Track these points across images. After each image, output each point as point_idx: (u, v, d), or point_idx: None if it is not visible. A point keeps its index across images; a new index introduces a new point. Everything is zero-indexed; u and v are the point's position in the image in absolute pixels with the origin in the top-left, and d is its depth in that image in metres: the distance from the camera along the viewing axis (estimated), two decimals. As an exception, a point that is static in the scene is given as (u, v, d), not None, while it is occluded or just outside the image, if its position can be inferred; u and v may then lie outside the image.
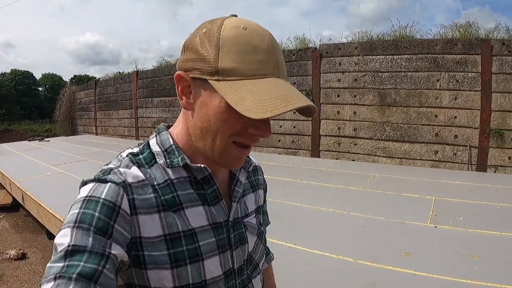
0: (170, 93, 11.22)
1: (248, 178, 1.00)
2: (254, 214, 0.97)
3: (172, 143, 0.82)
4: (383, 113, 6.91)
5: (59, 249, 0.65)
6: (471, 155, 6.36)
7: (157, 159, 0.81)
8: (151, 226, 0.74)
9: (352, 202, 4.25)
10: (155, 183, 0.78)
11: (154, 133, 0.87)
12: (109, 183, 0.72)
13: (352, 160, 7.31)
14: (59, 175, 5.97)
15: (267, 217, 1.08)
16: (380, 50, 7.07)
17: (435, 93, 6.54)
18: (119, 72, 14.40)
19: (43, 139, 12.66)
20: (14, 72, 49.27)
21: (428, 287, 2.35)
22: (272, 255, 1.28)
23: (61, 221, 3.96)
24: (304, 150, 8.07)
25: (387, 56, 6.98)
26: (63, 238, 0.66)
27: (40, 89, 51.15)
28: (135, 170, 0.77)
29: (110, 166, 0.79)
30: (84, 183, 0.75)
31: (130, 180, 0.75)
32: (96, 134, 15.21)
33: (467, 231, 3.26)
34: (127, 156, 0.81)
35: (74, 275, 0.60)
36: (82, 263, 0.62)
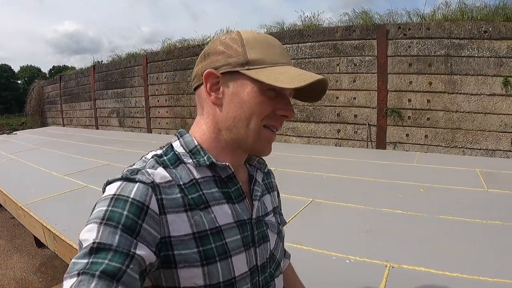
0: (121, 85, 11.97)
1: (263, 180, 1.04)
2: (273, 214, 1.00)
3: (196, 143, 0.85)
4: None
5: (84, 245, 0.65)
6: (370, 133, 6.99)
7: (184, 159, 0.84)
8: (179, 225, 0.76)
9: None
10: (181, 183, 0.80)
11: (176, 136, 0.90)
12: (137, 183, 0.73)
13: (268, 140, 8.05)
14: (11, 161, 6.89)
15: (283, 217, 1.13)
16: (287, 39, 7.76)
17: (336, 77, 7.24)
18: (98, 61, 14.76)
19: (11, 132, 13.27)
20: (-9, 66, 48.68)
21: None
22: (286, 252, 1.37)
23: (4, 194, 4.80)
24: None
25: (293, 45, 7.68)
26: (89, 234, 0.66)
27: (19, 82, 50.72)
28: (161, 171, 0.79)
29: (136, 167, 0.80)
30: (110, 182, 0.76)
31: (158, 180, 0.76)
32: (63, 125, 15.88)
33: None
34: (152, 157, 0.83)
35: (98, 273, 0.61)
36: (106, 261, 0.62)
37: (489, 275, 2.10)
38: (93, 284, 0.59)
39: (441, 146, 6.32)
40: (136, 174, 0.76)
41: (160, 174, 0.78)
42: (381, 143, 6.87)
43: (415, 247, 2.51)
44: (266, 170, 1.06)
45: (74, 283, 0.59)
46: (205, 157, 0.83)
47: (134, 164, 0.82)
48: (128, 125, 11.84)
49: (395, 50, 6.84)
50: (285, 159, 5.68)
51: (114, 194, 0.71)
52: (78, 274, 0.60)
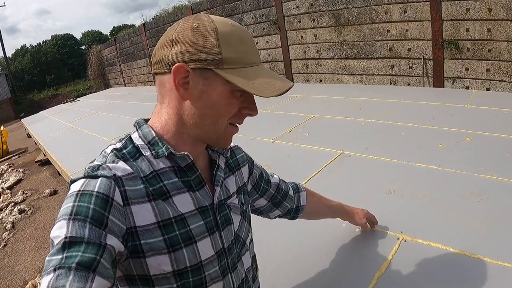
0: (171, 39, 12.03)
1: (227, 162, 1.06)
2: (236, 195, 1.02)
3: (154, 135, 0.85)
4: (339, 33, 7.23)
5: (55, 242, 0.67)
6: (427, 68, 6.33)
7: (143, 152, 0.84)
8: (144, 215, 0.78)
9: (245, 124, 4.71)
10: (142, 175, 0.81)
11: (134, 127, 0.90)
12: (100, 178, 0.75)
13: (320, 80, 7.86)
14: (69, 130, 7.20)
15: (248, 196, 1.15)
16: (332, -30, 7.18)
17: (385, 8, 6.56)
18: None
19: (74, 100, 13.96)
20: (54, 37, 51.39)
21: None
22: (298, 185, 1.46)
23: (58, 164, 5.14)
24: (279, 74, 8.30)
25: (339, -24, 7.09)
26: (59, 231, 0.68)
27: (83, 47, 52.73)
28: (122, 164, 0.80)
29: (97, 163, 0.81)
30: (73, 181, 0.78)
31: (119, 173, 0.78)
32: (125, 85, 16.75)
33: (295, 144, 3.59)
34: (111, 152, 0.83)
35: (74, 265, 0.62)
36: (80, 253, 0.64)
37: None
38: (70, 277, 0.61)
39: (505, 81, 5.43)
40: (98, 170, 0.78)
41: (121, 167, 0.79)
42: (438, 79, 6.19)
43: (440, 215, 2.05)
44: (228, 154, 1.06)
45: (51, 279, 0.61)
46: (163, 148, 0.83)
47: (94, 160, 0.84)
48: (182, 77, 11.97)
49: (449, -28, 5.97)
50: (326, 103, 5.34)
51: (79, 190, 0.73)
52: (54, 270, 0.62)
